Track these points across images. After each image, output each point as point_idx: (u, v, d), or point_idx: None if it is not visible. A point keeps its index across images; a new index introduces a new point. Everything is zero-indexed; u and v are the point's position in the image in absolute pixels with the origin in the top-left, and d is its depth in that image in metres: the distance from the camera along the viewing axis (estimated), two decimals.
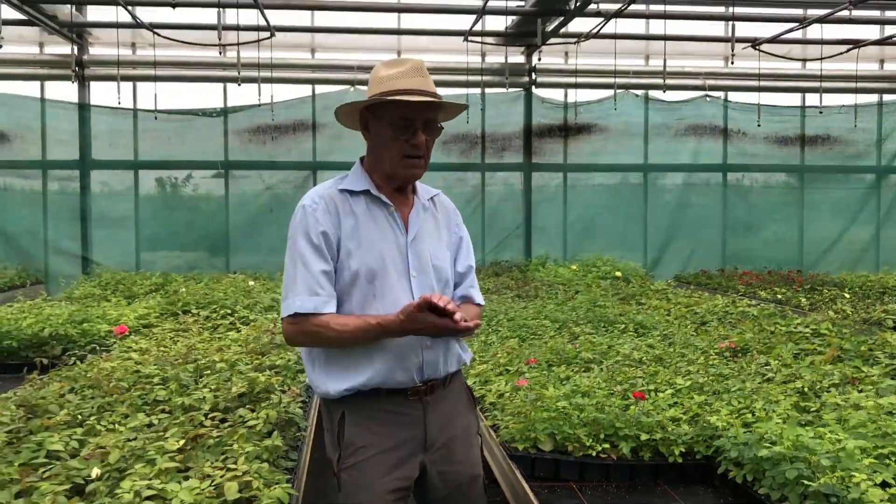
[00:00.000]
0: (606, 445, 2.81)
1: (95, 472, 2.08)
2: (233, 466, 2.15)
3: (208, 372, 3.29)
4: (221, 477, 2.09)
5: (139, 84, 8.74)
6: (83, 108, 8.68)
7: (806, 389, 3.25)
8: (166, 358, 3.70)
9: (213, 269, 8.76)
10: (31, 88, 8.77)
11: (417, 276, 2.21)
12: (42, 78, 8.67)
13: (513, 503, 2.76)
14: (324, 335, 2.07)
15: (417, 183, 2.32)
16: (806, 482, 2.24)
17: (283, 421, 2.76)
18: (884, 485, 2.21)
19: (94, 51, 8.69)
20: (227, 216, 9.09)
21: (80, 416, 2.82)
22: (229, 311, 5.39)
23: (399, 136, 2.13)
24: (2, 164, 8.73)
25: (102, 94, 8.66)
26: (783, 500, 2.30)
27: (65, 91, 8.77)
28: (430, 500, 2.25)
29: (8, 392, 3.26)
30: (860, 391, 3.19)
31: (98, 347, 4.56)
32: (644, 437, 2.79)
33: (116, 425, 2.72)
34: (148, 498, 1.96)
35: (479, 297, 2.38)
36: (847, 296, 7.24)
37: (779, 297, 7.19)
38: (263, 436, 2.58)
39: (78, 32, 8.40)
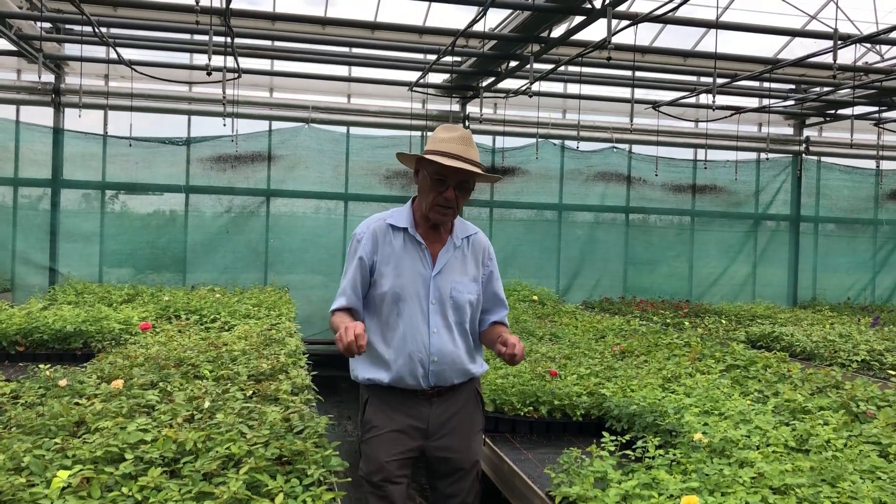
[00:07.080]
0: (530, 409, 3.98)
1: (207, 403, 3.10)
2: (292, 405, 3.23)
3: (237, 354, 4.33)
4: (285, 410, 3.16)
5: (110, 112, 9.55)
6: (58, 132, 9.41)
7: (669, 376, 4.55)
8: (188, 347, 4.70)
9: (171, 283, 9.58)
10: (6, 111, 9.48)
11: (436, 304, 2.69)
12: (19, 102, 9.36)
13: None
14: (333, 324, 2.65)
15: (458, 221, 2.80)
16: (658, 423, 3.50)
17: (303, 386, 3.85)
18: (703, 423, 3.47)
19: (70, 80, 9.46)
20: (186, 236, 9.95)
21: (150, 383, 3.81)
22: (216, 317, 6.37)
23: (435, 188, 2.61)
24: None
25: (75, 119, 9.40)
26: (643, 437, 3.54)
27: (39, 115, 9.52)
28: (433, 478, 2.84)
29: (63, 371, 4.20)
30: (703, 377, 4.52)
31: (114, 342, 5.51)
32: (557, 403, 3.99)
33: (181, 388, 3.72)
34: (241, 421, 3.00)
35: (503, 319, 2.90)
36: (723, 321, 8.75)
37: (667, 320, 8.64)
38: (293, 394, 3.66)
39: (57, 63, 9.21)
